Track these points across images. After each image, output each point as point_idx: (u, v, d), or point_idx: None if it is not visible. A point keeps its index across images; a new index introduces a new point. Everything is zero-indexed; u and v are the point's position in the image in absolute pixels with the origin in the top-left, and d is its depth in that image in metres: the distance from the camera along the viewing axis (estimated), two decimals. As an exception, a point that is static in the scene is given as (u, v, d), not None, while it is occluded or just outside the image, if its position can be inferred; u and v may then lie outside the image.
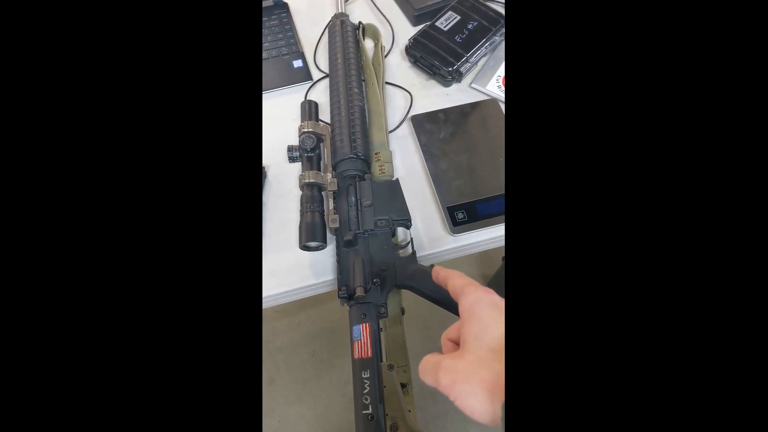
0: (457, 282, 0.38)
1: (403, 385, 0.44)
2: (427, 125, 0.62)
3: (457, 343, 0.35)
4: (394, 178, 0.56)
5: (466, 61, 0.65)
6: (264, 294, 0.52)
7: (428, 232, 0.55)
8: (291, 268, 0.53)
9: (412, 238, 0.52)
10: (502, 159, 0.58)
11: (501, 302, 0.35)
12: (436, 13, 0.70)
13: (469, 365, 0.32)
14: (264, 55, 0.70)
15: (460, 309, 0.36)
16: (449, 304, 0.41)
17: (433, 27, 0.68)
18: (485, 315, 0.34)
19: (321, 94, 0.67)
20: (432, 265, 0.44)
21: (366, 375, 0.42)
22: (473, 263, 1.41)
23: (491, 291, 0.37)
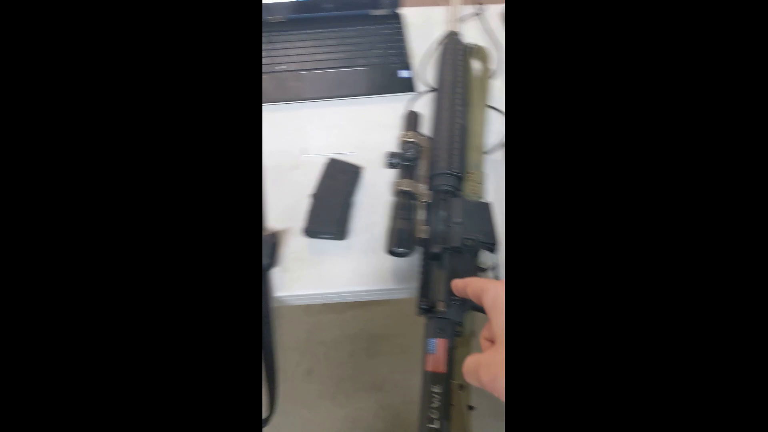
0: (475, 285, 0.40)
1: (469, 408, 0.44)
2: (524, 153, 0.62)
3: (492, 341, 0.36)
4: (484, 201, 0.57)
5: (574, 96, 0.65)
6: (344, 289, 0.53)
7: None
8: (373, 269, 0.54)
9: (497, 264, 0.52)
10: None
11: None
12: (548, 44, 0.71)
13: (504, 357, 0.32)
14: (373, 60, 0.73)
15: (486, 308, 0.38)
16: None
17: (544, 58, 0.68)
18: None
19: (423, 107, 0.69)
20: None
21: (436, 390, 0.43)
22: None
23: None
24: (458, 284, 0.43)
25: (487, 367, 0.33)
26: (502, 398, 0.31)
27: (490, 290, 0.37)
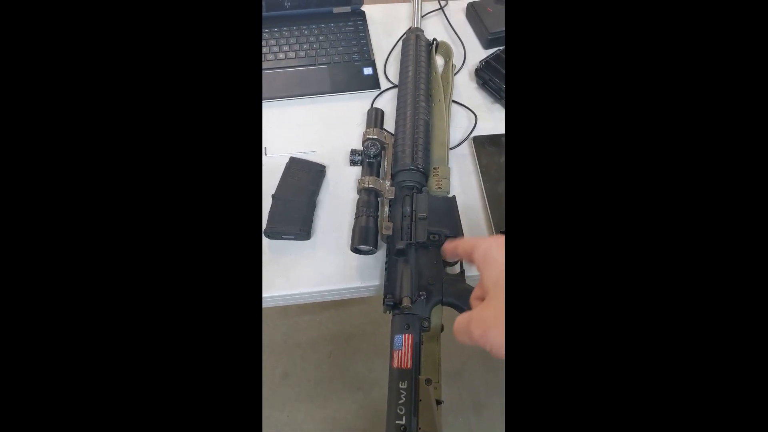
0: (466, 244, 0.40)
1: (438, 402, 0.44)
2: (488, 147, 0.63)
3: (483, 300, 0.36)
4: (450, 195, 0.57)
5: (535, 90, 0.65)
6: (310, 289, 0.53)
7: (477, 253, 0.55)
8: (338, 268, 0.54)
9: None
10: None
11: None
12: (510, 39, 0.71)
13: (495, 310, 0.32)
14: (336, 58, 0.72)
15: (476, 264, 0.37)
16: None
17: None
18: (499, 257, 0.35)
19: (387, 104, 0.68)
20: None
21: (403, 386, 0.43)
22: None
23: (499, 235, 0.38)
24: (448, 248, 0.44)
25: (477, 321, 0.32)
26: (494, 352, 0.31)
27: (480, 246, 0.37)
